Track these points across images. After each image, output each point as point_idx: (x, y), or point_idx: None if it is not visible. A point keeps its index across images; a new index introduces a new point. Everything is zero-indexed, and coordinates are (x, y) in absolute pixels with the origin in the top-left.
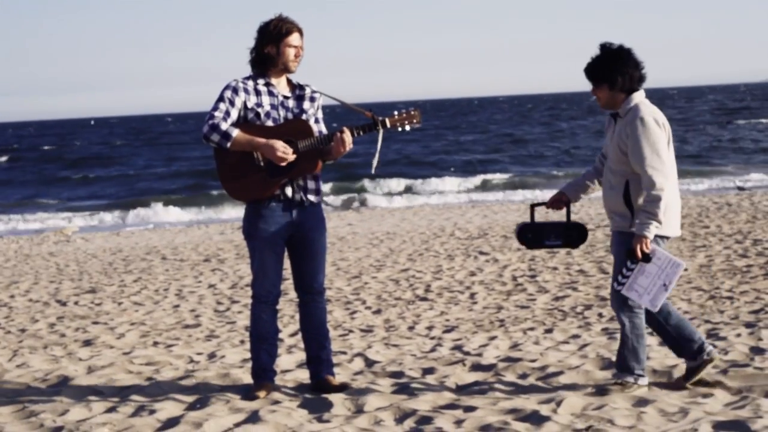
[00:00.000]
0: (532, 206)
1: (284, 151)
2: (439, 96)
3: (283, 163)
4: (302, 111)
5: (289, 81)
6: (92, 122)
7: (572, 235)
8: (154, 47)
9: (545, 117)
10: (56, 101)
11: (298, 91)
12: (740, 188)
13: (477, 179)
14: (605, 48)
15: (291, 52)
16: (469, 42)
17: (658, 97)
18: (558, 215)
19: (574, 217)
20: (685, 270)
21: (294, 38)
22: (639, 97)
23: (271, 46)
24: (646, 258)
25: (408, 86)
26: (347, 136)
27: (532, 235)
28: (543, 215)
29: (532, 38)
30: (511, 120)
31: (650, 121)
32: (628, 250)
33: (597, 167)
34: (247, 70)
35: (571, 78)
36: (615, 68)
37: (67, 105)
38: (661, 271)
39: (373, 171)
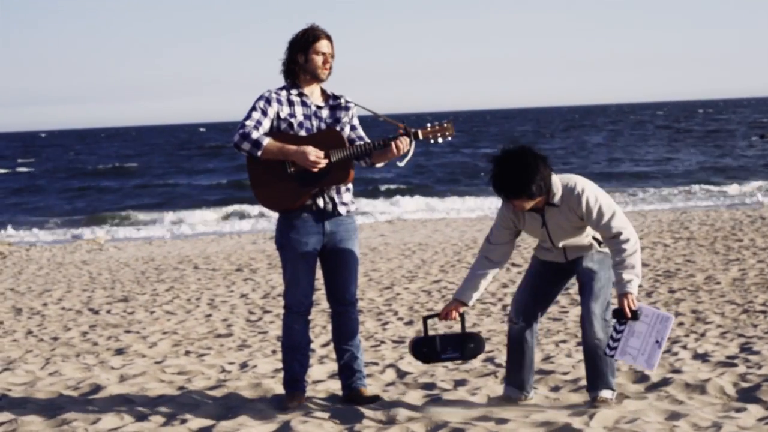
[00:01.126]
0: (425, 318)
1: (317, 156)
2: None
3: (316, 169)
4: (336, 121)
5: (323, 91)
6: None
7: (469, 345)
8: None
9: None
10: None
11: (332, 101)
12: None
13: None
14: (509, 163)
15: (319, 60)
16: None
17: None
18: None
19: None
20: (718, 283)
21: (322, 45)
22: (558, 181)
23: (300, 55)
24: (635, 316)
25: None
26: (405, 140)
27: (427, 349)
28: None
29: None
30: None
31: (591, 190)
32: (615, 311)
33: (489, 257)
34: (280, 81)
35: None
36: (529, 181)
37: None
38: (651, 328)
39: (402, 164)
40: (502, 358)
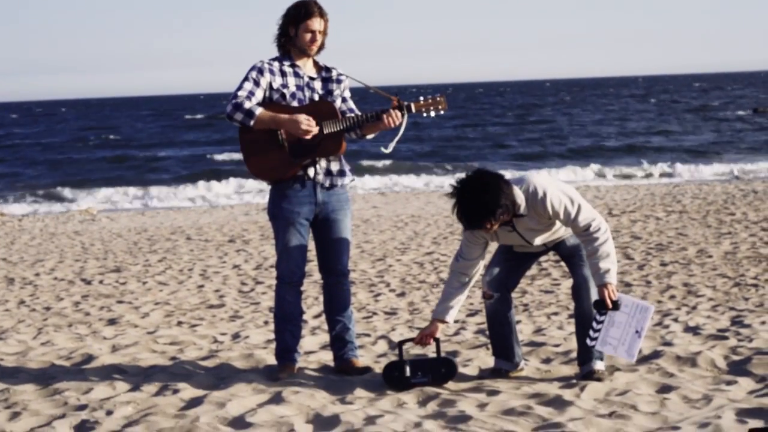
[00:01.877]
0: (400, 344)
1: (308, 124)
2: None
3: (308, 136)
4: (328, 92)
5: (315, 63)
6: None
7: (440, 371)
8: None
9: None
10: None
11: (324, 72)
12: (737, 177)
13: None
14: (470, 193)
15: (307, 36)
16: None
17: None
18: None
19: (599, 204)
20: (710, 257)
21: (313, 22)
22: (519, 193)
23: (291, 28)
24: (615, 306)
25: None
26: (394, 117)
27: (398, 373)
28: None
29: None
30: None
31: (552, 190)
32: (596, 302)
33: (463, 273)
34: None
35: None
36: (494, 207)
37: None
38: (631, 318)
39: (388, 151)
40: None
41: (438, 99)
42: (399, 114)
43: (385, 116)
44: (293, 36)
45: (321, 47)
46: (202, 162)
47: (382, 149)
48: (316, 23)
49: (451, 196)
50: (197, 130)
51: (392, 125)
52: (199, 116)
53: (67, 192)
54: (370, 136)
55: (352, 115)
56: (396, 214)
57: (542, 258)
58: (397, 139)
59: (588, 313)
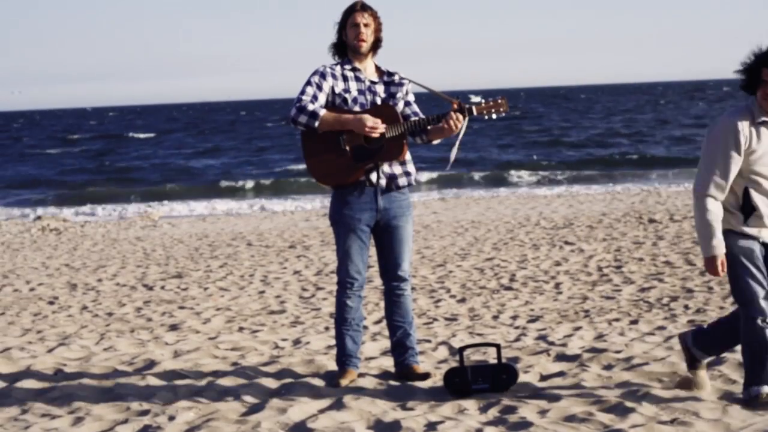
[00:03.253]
0: (461, 349)
1: (374, 121)
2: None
3: (375, 134)
4: (390, 96)
5: (377, 67)
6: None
7: (501, 377)
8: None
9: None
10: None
11: (386, 77)
12: None
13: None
14: None
15: (353, 32)
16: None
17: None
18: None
19: (661, 209)
20: None
21: (355, 17)
22: None
23: (343, 31)
24: None
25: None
26: (455, 122)
27: (459, 380)
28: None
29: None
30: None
31: None
32: None
33: (716, 197)
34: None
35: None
36: None
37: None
38: None
39: (449, 167)
40: (554, 336)
41: (499, 101)
42: (461, 117)
43: (446, 120)
44: (345, 39)
45: (376, 46)
46: None
47: (450, 160)
48: (359, 17)
49: None
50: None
51: (454, 129)
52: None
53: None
54: (436, 142)
55: (415, 119)
56: (456, 220)
57: (602, 263)
58: (456, 146)
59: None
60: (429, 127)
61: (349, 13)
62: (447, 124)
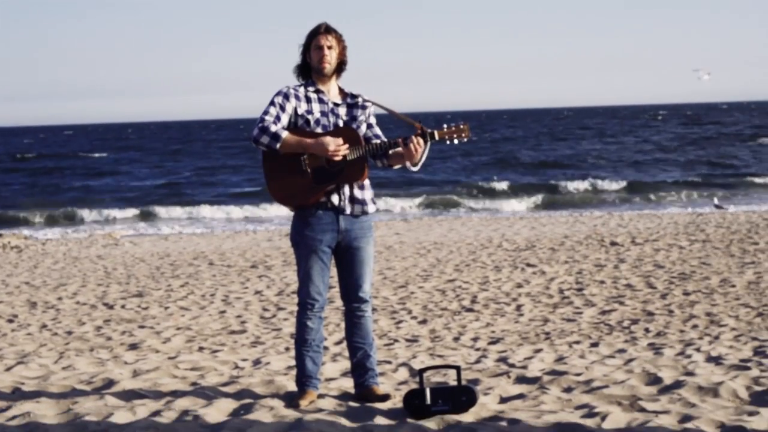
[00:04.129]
0: (421, 371)
1: (336, 144)
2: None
3: (338, 157)
4: (353, 119)
5: (340, 89)
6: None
7: (461, 399)
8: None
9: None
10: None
11: (349, 99)
12: (717, 206)
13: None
14: None
15: (316, 54)
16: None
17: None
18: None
19: (623, 232)
20: (733, 286)
21: (319, 39)
22: None
23: (307, 53)
24: None
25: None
26: (421, 141)
27: (419, 401)
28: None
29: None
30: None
31: None
32: None
33: None
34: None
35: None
36: None
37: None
38: None
39: (417, 168)
40: (515, 357)
41: (461, 127)
42: (422, 141)
43: (409, 143)
44: (310, 61)
45: (340, 69)
46: None
47: (411, 168)
48: (323, 39)
49: None
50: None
51: (414, 153)
52: None
53: None
54: (397, 167)
55: (376, 142)
56: (419, 241)
57: (564, 286)
58: (422, 161)
59: None
60: (390, 152)
61: (314, 35)
62: (407, 148)
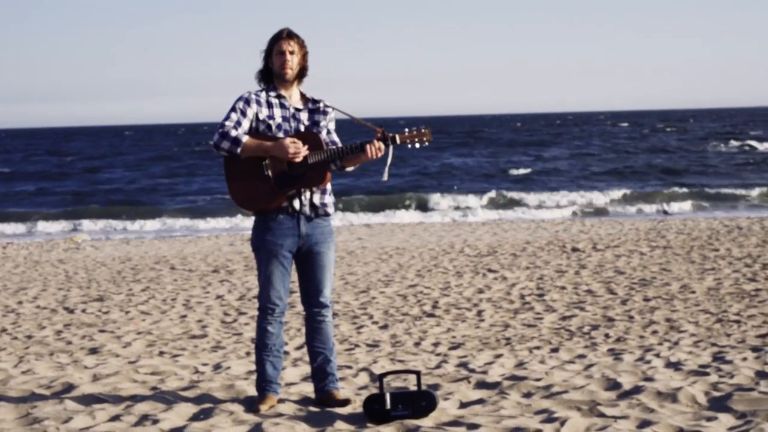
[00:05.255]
0: (381, 376)
1: (296, 147)
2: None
3: (298, 159)
4: (314, 123)
5: (302, 94)
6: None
7: (421, 404)
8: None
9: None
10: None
11: (310, 104)
12: (665, 212)
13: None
14: None
15: (278, 59)
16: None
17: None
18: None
19: (584, 238)
20: (693, 292)
21: (281, 44)
22: None
23: (269, 59)
24: None
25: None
26: (375, 147)
27: (378, 406)
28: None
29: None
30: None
31: None
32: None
33: None
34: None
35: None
36: None
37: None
38: None
39: (384, 178)
40: (475, 363)
41: (423, 131)
42: (382, 146)
43: (367, 147)
44: (272, 66)
45: (302, 74)
46: None
47: (382, 179)
48: (285, 44)
49: None
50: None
51: (374, 157)
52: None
53: None
54: (350, 169)
55: (338, 146)
56: (381, 246)
57: (525, 291)
58: (387, 167)
59: None
60: (335, 162)
61: (276, 40)
62: (369, 151)
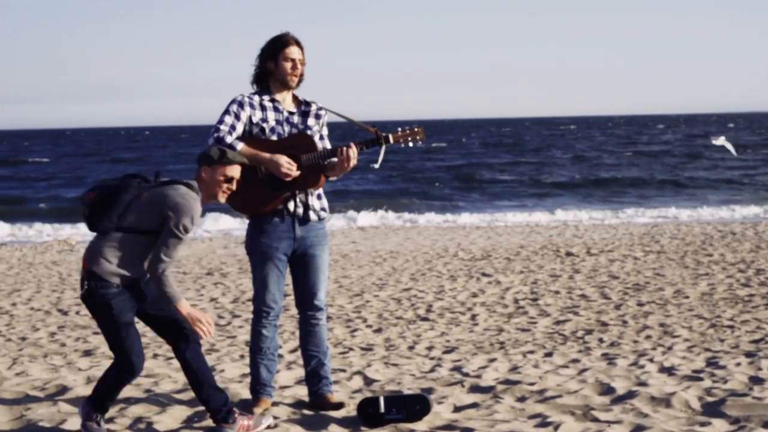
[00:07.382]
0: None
1: (288, 166)
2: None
3: (288, 179)
4: (307, 127)
5: (295, 97)
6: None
7: (414, 408)
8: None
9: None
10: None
11: (303, 107)
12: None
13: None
14: None
15: (288, 66)
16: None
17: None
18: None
19: (578, 243)
20: (686, 298)
21: (292, 51)
22: None
23: (270, 61)
24: None
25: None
26: (353, 151)
27: (372, 409)
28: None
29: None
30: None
31: None
32: None
33: None
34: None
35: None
36: None
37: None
38: None
39: (377, 166)
40: (469, 367)
41: (416, 129)
42: (354, 152)
43: (338, 150)
44: (273, 69)
45: (301, 79)
46: None
47: (373, 165)
48: (295, 52)
49: None
50: None
51: (346, 162)
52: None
53: None
54: (333, 178)
55: (328, 148)
56: (375, 250)
57: (519, 296)
58: (380, 159)
59: None
60: (326, 162)
61: (285, 45)
62: (339, 157)
